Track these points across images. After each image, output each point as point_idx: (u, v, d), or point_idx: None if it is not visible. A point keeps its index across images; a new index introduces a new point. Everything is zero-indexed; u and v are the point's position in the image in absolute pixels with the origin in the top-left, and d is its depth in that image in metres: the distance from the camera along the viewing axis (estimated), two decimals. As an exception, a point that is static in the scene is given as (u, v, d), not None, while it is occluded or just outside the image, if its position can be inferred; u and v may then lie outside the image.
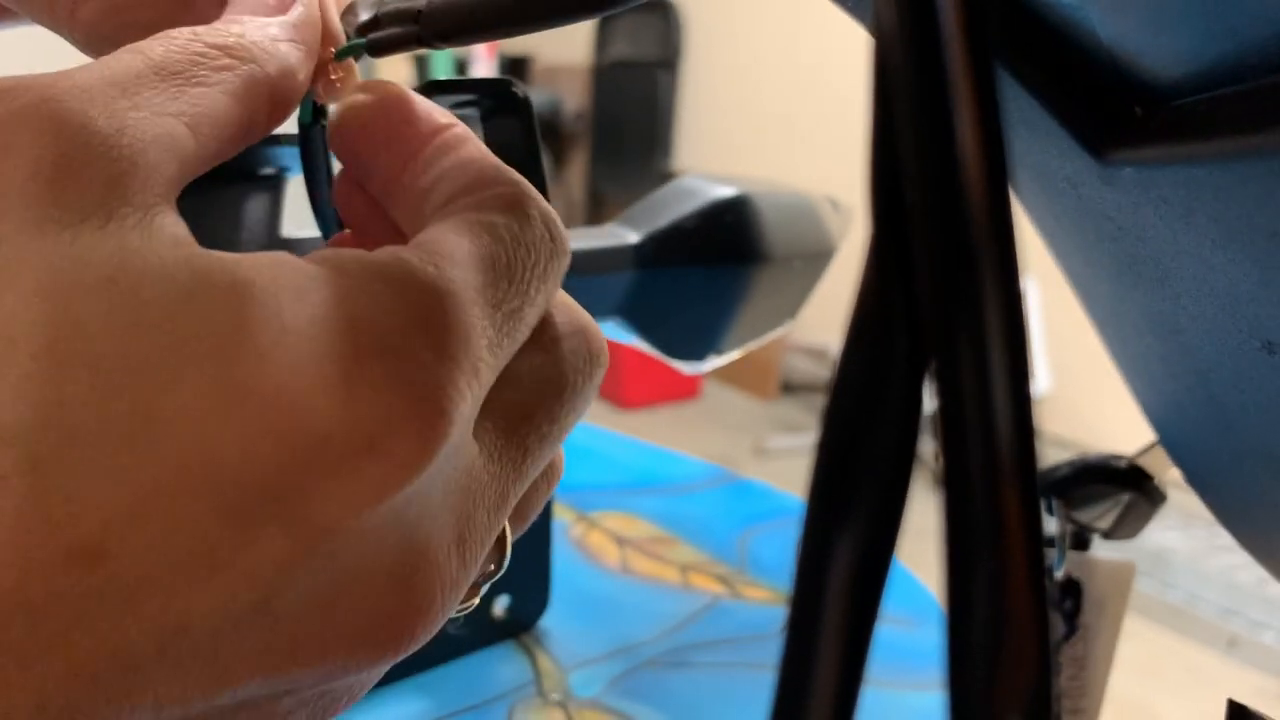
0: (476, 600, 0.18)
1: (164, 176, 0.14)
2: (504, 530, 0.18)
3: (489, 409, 0.17)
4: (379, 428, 0.13)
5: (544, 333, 0.18)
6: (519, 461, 0.17)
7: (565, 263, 0.18)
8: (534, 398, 0.18)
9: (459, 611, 0.17)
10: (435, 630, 0.15)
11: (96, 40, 0.18)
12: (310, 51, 0.18)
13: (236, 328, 0.13)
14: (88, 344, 0.12)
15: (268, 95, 0.16)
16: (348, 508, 0.13)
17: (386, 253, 0.15)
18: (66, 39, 0.19)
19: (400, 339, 0.14)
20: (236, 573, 0.12)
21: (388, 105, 0.19)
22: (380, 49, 0.19)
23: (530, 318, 0.17)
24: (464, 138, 0.19)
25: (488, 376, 0.16)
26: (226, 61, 0.15)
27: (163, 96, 0.14)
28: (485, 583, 0.18)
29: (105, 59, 0.15)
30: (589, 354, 0.19)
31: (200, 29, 0.16)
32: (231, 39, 0.16)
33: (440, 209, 0.17)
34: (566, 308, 0.19)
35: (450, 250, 0.16)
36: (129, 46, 0.15)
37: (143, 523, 0.12)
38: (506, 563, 0.18)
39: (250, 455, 0.12)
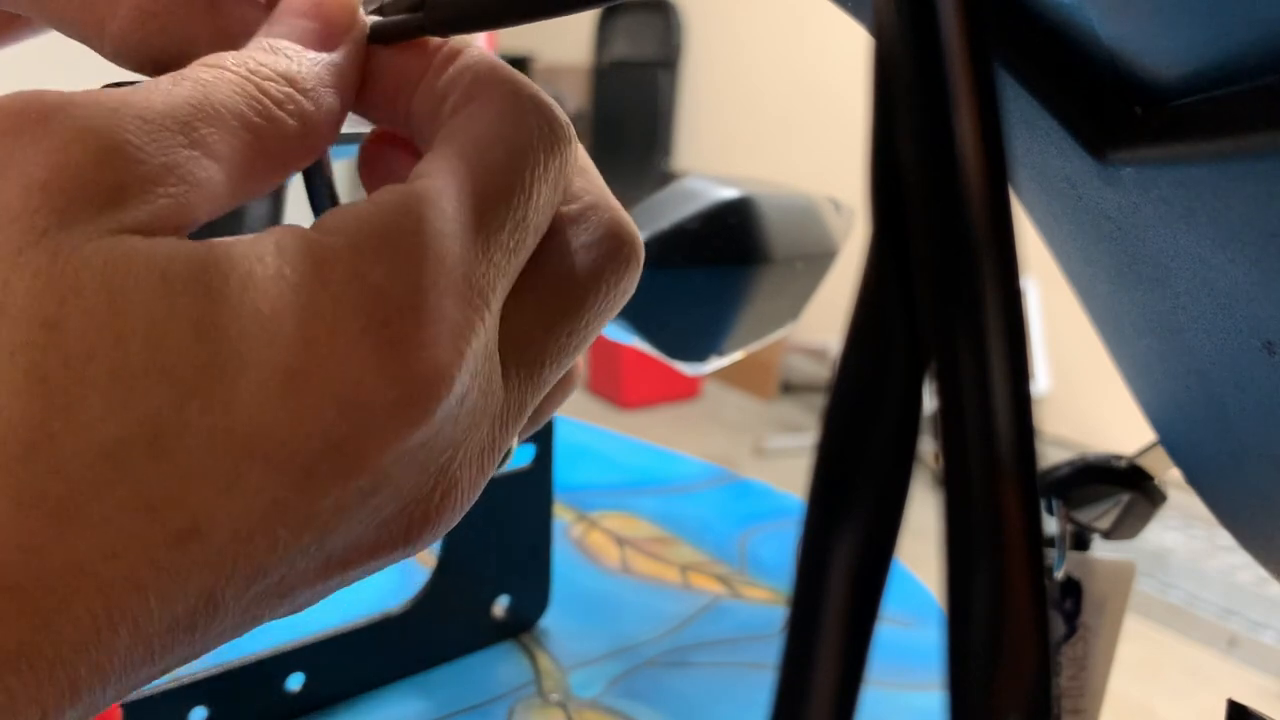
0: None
1: (192, 219, 0.15)
2: None
3: (507, 324, 0.17)
4: (400, 389, 0.15)
5: (561, 235, 0.18)
6: (536, 373, 0.18)
7: (570, 149, 0.18)
8: (553, 308, 0.18)
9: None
10: (455, 523, 0.18)
11: (126, 50, 0.19)
12: (349, 99, 0.18)
13: (276, 317, 0.14)
14: (161, 355, 0.14)
15: (305, 146, 0.17)
16: (380, 454, 0.15)
17: (386, 212, 0.16)
18: (96, 51, 0.19)
19: (411, 302, 0.15)
20: (304, 524, 0.15)
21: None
22: (383, 37, 0.19)
23: (538, 220, 0.17)
24: (465, 40, 0.19)
25: (496, 304, 0.17)
26: (278, 115, 0.16)
27: (215, 136, 0.15)
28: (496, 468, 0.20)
29: (171, 83, 0.15)
30: (618, 254, 0.18)
31: (258, 66, 0.16)
32: (287, 87, 0.16)
33: (445, 119, 0.18)
34: (591, 205, 0.18)
35: (438, 197, 0.16)
36: (195, 77, 0.15)
37: (225, 503, 0.14)
38: (513, 455, 0.20)
39: (306, 429, 0.14)
